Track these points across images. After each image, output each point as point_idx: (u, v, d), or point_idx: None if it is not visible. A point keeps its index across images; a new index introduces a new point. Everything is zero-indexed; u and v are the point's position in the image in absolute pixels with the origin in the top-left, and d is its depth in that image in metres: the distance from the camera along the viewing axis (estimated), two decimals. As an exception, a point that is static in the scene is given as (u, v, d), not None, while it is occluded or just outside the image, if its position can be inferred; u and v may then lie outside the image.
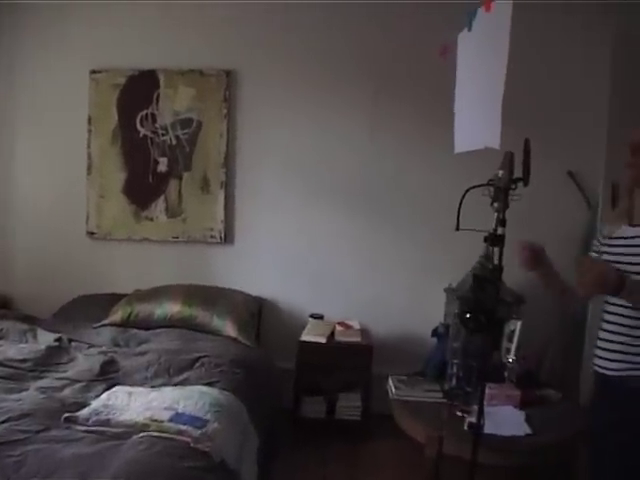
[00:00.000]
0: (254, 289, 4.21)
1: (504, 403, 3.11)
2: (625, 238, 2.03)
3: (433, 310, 3.96)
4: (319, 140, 4.22)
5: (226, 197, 4.25)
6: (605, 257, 2.07)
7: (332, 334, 3.93)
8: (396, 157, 4.20)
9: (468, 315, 2.48)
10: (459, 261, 3.65)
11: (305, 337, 3.87)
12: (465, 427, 2.76)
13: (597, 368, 2.13)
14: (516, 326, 3.39)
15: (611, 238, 2.08)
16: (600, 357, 2.11)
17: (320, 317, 4.13)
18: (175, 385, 2.93)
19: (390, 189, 4.21)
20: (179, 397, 2.64)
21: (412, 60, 4.07)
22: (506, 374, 3.34)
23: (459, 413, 2.95)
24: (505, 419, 2.94)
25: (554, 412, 3.08)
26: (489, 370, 2.94)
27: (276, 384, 3.65)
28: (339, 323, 4.02)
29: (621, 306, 2.01)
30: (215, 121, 4.24)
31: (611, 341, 2.06)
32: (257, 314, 4.09)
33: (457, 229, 2.63)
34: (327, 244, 4.25)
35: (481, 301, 2.46)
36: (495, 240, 1.85)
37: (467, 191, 2.77)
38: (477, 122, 1.57)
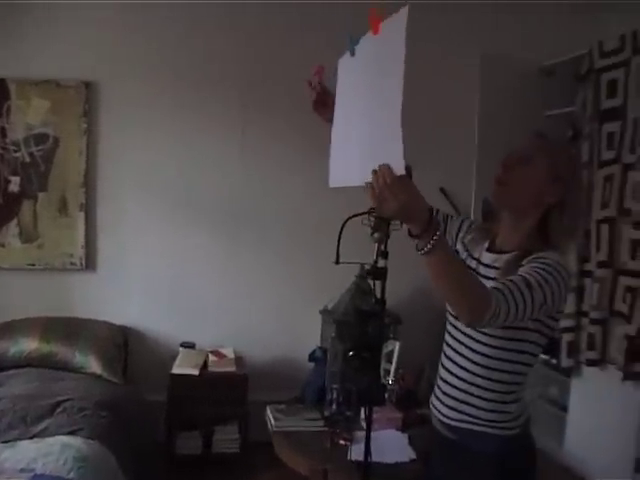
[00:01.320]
0: (120, 318, 3.93)
1: (386, 426, 3.08)
2: (481, 263, 1.81)
3: (309, 333, 3.88)
4: (187, 159, 4.01)
5: (87, 220, 3.93)
6: None
7: (205, 364, 3.74)
8: (268, 178, 4.09)
9: (351, 353, 2.39)
10: (334, 281, 3.58)
11: (176, 369, 3.65)
12: (349, 458, 2.66)
13: (434, 410, 1.92)
14: (394, 347, 3.38)
15: (472, 258, 1.85)
16: (438, 399, 1.89)
17: (191, 346, 3.92)
18: (33, 437, 2.65)
19: (262, 210, 4.09)
20: (37, 454, 2.38)
21: (285, 77, 3.92)
22: (386, 395, 3.32)
23: (342, 442, 2.87)
24: (388, 444, 2.91)
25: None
26: (369, 393, 2.91)
27: (147, 421, 3.44)
28: (212, 352, 3.83)
29: (461, 356, 1.78)
30: (74, 137, 3.91)
31: (447, 394, 1.84)
32: (124, 345, 3.82)
33: (337, 262, 2.54)
34: (197, 268, 4.06)
35: (365, 337, 2.38)
36: (377, 274, 1.74)
37: (346, 221, 2.69)
38: (370, 154, 1.43)
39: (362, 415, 3.08)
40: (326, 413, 3.14)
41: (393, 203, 1.37)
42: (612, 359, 3.26)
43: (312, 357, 3.69)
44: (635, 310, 3.06)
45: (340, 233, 2.57)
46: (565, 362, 3.51)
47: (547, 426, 3.76)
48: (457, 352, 1.80)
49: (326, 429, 3.00)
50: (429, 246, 1.42)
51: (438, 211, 1.99)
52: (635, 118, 3.14)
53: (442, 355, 1.89)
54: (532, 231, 1.73)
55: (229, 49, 3.96)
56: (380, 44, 1.41)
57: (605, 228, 3.27)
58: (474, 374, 1.75)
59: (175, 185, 4.00)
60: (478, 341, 1.72)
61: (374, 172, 1.38)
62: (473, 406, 1.76)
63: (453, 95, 4.08)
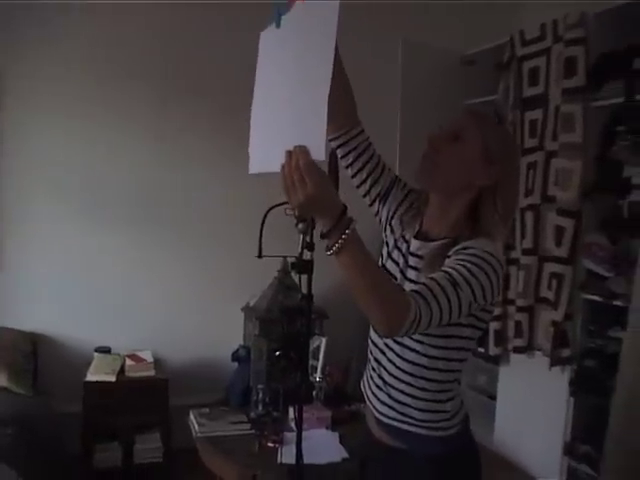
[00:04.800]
0: (28, 324, 3.64)
1: (316, 426, 2.99)
2: (409, 250, 1.63)
3: (231, 331, 3.74)
4: (99, 155, 3.76)
5: (-10, 219, 3.63)
6: (388, 264, 1.67)
7: (122, 369, 3.53)
8: (184, 170, 3.90)
9: (278, 353, 2.26)
10: (256, 276, 3.48)
11: (91, 377, 3.43)
12: (279, 461, 2.58)
13: (367, 400, 1.72)
14: (321, 342, 3.29)
15: (404, 240, 1.66)
16: (369, 388, 1.70)
17: (107, 350, 3.69)
18: None
19: (178, 204, 3.90)
20: None
21: (203, 67, 3.81)
22: (314, 393, 3.24)
23: (271, 444, 2.77)
24: (319, 444, 2.83)
25: (365, 427, 3.01)
26: (296, 392, 2.81)
27: (61, 434, 3.22)
28: (129, 356, 3.62)
29: (390, 350, 1.60)
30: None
31: (378, 386, 1.66)
32: (32, 354, 3.54)
33: (259, 256, 2.39)
34: (111, 268, 3.83)
35: (291, 335, 2.25)
36: (302, 267, 1.60)
37: (269, 211, 2.55)
38: (289, 134, 1.29)
39: (290, 415, 3.00)
40: (252, 415, 3.05)
41: (301, 192, 1.22)
42: (539, 346, 3.29)
43: (235, 356, 3.57)
44: (561, 296, 3.08)
45: (262, 225, 2.45)
46: (493, 350, 3.51)
47: (476, 415, 3.74)
48: (387, 345, 1.62)
49: (253, 432, 2.90)
50: (337, 245, 1.26)
51: (390, 169, 1.76)
52: (556, 106, 3.16)
53: (370, 342, 1.71)
54: (461, 216, 1.56)
55: (142, 38, 3.74)
56: (309, 16, 1.27)
57: (530, 215, 3.28)
58: (405, 372, 1.59)
59: (86, 181, 3.75)
60: (409, 337, 1.53)
61: (288, 153, 1.23)
62: (406, 405, 1.60)
63: (375, 82, 4.01)
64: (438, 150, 1.55)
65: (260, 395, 3.10)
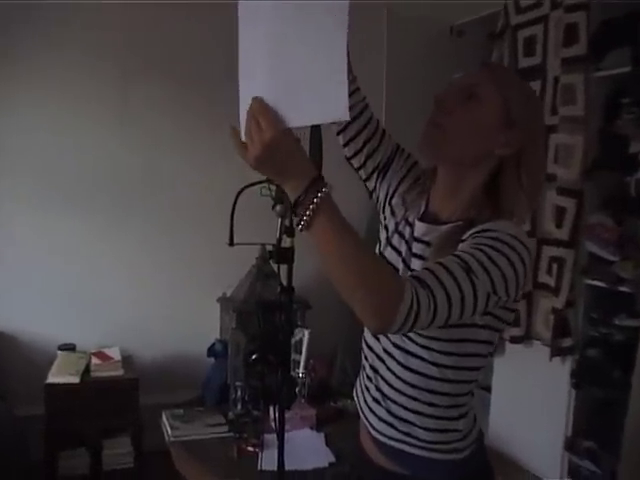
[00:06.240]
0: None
1: (299, 426, 2.82)
2: (413, 235, 1.37)
3: (207, 324, 3.58)
4: (62, 140, 3.48)
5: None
6: (387, 252, 1.42)
7: (87, 368, 3.29)
8: (153, 153, 3.65)
9: (254, 356, 2.01)
10: (233, 264, 3.30)
11: (53, 378, 3.17)
12: (259, 467, 2.39)
13: (360, 413, 1.47)
14: (304, 335, 3.07)
15: (406, 222, 1.40)
16: (364, 400, 1.45)
17: (71, 348, 3.45)
18: None
19: (148, 192, 3.65)
20: None
21: (169, 44, 3.55)
22: (297, 390, 3.03)
23: (250, 449, 2.60)
24: (304, 447, 2.65)
25: (354, 427, 2.83)
26: (277, 390, 2.64)
27: (21, 440, 2.98)
28: (95, 354, 3.38)
29: (390, 357, 1.35)
30: None
31: (375, 399, 1.40)
32: (-10, 352, 3.30)
33: (231, 244, 2.17)
34: (75, 258, 3.56)
35: (270, 333, 2.00)
36: (281, 256, 1.36)
37: (240, 191, 2.33)
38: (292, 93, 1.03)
39: (271, 415, 2.80)
40: (230, 415, 2.87)
41: (257, 142, 0.98)
42: (538, 335, 3.10)
43: (211, 352, 3.39)
44: (562, 281, 2.89)
45: (233, 207, 2.23)
46: (487, 340, 3.32)
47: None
48: (386, 351, 1.36)
49: (231, 435, 2.73)
50: (308, 213, 1.01)
51: (390, 136, 1.50)
52: (555, 77, 2.95)
53: (365, 346, 1.45)
54: (477, 194, 1.30)
55: (107, 16, 3.46)
56: None
57: (526, 195, 3.08)
58: (407, 383, 1.33)
59: (48, 169, 3.48)
60: (413, 341, 1.28)
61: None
62: (409, 423, 1.34)
63: (358, 54, 3.80)
64: (448, 112, 1.27)
65: (239, 393, 2.90)
